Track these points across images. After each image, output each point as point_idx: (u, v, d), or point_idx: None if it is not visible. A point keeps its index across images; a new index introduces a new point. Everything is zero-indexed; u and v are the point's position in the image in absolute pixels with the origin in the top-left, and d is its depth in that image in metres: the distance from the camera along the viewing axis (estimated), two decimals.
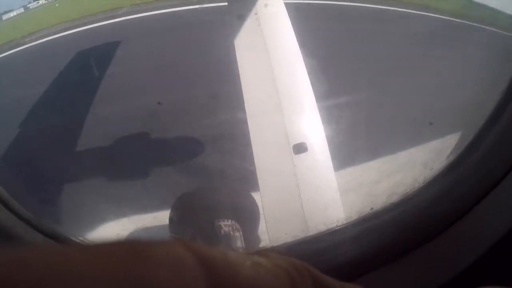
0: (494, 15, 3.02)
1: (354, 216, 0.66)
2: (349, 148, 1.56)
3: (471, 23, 3.12)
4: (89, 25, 3.85)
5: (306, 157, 1.22)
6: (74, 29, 3.84)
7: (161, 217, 1.41)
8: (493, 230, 0.50)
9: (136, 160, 2.00)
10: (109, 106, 2.48)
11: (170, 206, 1.29)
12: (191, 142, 2.00)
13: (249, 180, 1.26)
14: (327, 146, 1.24)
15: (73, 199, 1.75)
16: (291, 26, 1.40)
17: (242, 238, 1.13)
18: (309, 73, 1.35)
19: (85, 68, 3.07)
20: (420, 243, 0.55)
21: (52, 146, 2.21)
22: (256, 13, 1.39)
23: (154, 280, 0.14)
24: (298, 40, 1.38)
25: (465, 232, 0.54)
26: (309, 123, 1.31)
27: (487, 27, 2.93)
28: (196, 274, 0.15)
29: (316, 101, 1.31)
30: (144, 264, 0.14)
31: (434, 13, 3.35)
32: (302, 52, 1.37)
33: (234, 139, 1.73)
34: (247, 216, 1.25)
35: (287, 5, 1.46)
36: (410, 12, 3.48)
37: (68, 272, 0.13)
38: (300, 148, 1.23)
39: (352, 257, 0.57)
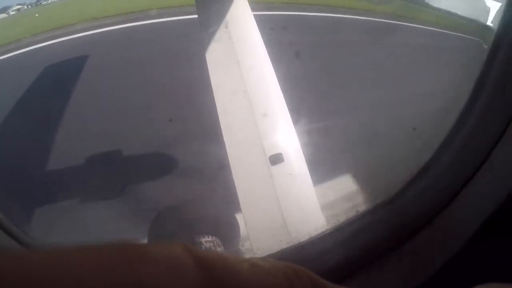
0: (453, 19, 3.22)
1: (340, 220, 0.67)
2: (327, 156, 1.58)
3: (426, 28, 3.29)
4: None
5: (283, 168, 1.23)
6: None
7: (139, 237, 1.36)
8: (471, 221, 0.52)
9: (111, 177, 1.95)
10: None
11: (147, 224, 1.25)
12: (165, 158, 1.96)
13: (227, 193, 1.25)
14: (302, 155, 1.25)
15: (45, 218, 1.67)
16: (261, 38, 1.42)
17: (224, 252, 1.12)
18: (281, 84, 1.37)
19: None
20: (404, 240, 0.56)
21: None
22: (226, 27, 1.41)
23: (152, 282, 0.14)
24: (268, 52, 1.40)
25: (445, 225, 0.57)
26: (283, 133, 1.32)
27: (451, 33, 3.10)
28: (194, 276, 0.15)
29: (290, 112, 1.33)
30: (142, 266, 0.14)
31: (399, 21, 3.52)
32: (273, 64, 1.39)
33: (208, 153, 1.72)
34: (228, 230, 1.23)
35: (257, 16, 1.48)
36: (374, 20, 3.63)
37: (66, 274, 0.13)
38: (276, 159, 1.24)
39: (337, 261, 0.58)
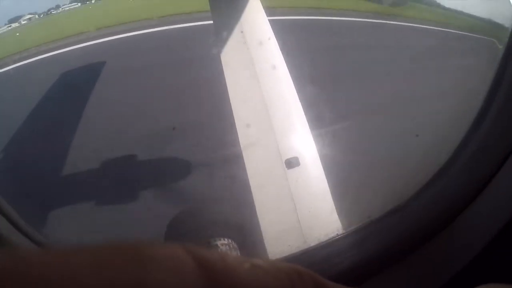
0: (469, 21, 3.14)
1: (353, 226, 0.66)
2: (341, 160, 1.57)
3: (449, 30, 3.23)
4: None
5: (299, 171, 1.23)
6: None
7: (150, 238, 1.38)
8: (488, 228, 0.51)
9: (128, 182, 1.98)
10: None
11: (163, 229, 1.27)
12: (182, 165, 1.98)
13: (244, 197, 1.25)
14: (319, 159, 1.25)
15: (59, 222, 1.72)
16: (277, 42, 1.43)
17: (239, 255, 1.12)
18: (296, 88, 1.37)
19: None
20: (416, 246, 0.56)
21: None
22: (242, 31, 1.42)
23: (153, 282, 0.14)
24: (284, 56, 1.41)
25: (459, 232, 0.56)
26: (299, 137, 1.32)
27: (465, 33, 3.03)
28: (195, 277, 0.15)
29: (306, 115, 1.33)
30: (144, 267, 0.14)
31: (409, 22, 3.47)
32: (289, 68, 1.40)
33: (225, 158, 1.73)
34: (244, 233, 1.23)
35: (272, 21, 1.49)
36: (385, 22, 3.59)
37: (66, 274, 0.13)
38: (292, 163, 1.24)
39: (350, 265, 0.57)
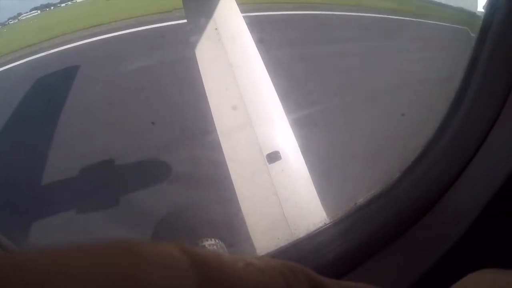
0: (439, 9, 3.23)
1: (339, 214, 0.67)
2: (322, 150, 1.59)
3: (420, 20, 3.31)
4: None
5: (280, 165, 1.23)
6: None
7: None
8: (471, 207, 0.52)
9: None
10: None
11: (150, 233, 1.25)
12: (161, 166, 1.95)
13: (227, 194, 1.24)
14: (299, 152, 1.25)
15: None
16: (252, 38, 1.42)
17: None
18: (273, 82, 1.36)
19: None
20: (403, 229, 0.56)
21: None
22: (216, 28, 1.41)
23: (148, 280, 0.14)
24: (260, 51, 1.40)
25: (444, 213, 0.56)
26: (279, 131, 1.32)
27: (438, 23, 3.12)
28: (189, 275, 0.15)
29: (284, 107, 1.33)
30: (139, 264, 0.14)
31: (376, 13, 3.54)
32: (265, 63, 1.39)
33: (207, 157, 1.71)
34: (230, 232, 1.23)
35: (246, 17, 1.48)
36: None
37: (63, 272, 0.13)
38: (273, 157, 1.24)
39: (339, 254, 0.57)
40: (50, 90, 3.05)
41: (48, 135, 2.37)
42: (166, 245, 0.16)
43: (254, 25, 1.60)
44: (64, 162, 2.10)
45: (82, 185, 1.93)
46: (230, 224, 1.24)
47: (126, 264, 0.14)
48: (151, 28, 3.65)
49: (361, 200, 0.63)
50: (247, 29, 1.44)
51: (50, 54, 3.66)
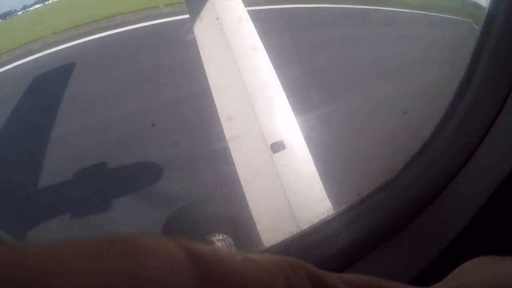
0: (444, 2, 3.16)
1: (343, 205, 0.68)
2: (327, 139, 1.58)
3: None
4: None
5: (285, 155, 1.23)
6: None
7: None
8: (475, 198, 0.53)
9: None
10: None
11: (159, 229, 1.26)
12: (154, 165, 1.94)
13: (233, 188, 1.25)
14: (304, 141, 1.25)
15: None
16: (254, 29, 1.41)
17: (235, 249, 1.13)
18: (277, 71, 1.36)
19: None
20: (407, 221, 0.57)
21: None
22: (217, 18, 1.39)
23: (144, 274, 0.14)
24: (263, 42, 1.39)
25: (448, 205, 0.57)
26: (283, 120, 1.32)
27: (442, 15, 3.05)
28: (186, 268, 0.15)
29: (288, 97, 1.32)
30: (135, 258, 0.15)
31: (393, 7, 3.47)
32: (268, 53, 1.38)
33: (210, 148, 1.72)
34: (238, 227, 1.24)
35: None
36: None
37: (60, 267, 0.13)
38: (277, 147, 1.24)
39: (343, 246, 0.58)
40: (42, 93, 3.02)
41: (47, 134, 2.38)
42: (162, 239, 0.16)
43: (258, 15, 1.58)
44: (64, 162, 2.10)
45: (82, 185, 1.93)
46: (238, 221, 1.24)
47: (123, 257, 0.14)
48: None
49: (364, 192, 0.64)
50: (249, 17, 1.42)
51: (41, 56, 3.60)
